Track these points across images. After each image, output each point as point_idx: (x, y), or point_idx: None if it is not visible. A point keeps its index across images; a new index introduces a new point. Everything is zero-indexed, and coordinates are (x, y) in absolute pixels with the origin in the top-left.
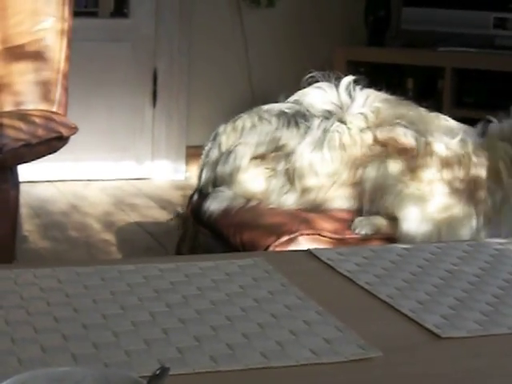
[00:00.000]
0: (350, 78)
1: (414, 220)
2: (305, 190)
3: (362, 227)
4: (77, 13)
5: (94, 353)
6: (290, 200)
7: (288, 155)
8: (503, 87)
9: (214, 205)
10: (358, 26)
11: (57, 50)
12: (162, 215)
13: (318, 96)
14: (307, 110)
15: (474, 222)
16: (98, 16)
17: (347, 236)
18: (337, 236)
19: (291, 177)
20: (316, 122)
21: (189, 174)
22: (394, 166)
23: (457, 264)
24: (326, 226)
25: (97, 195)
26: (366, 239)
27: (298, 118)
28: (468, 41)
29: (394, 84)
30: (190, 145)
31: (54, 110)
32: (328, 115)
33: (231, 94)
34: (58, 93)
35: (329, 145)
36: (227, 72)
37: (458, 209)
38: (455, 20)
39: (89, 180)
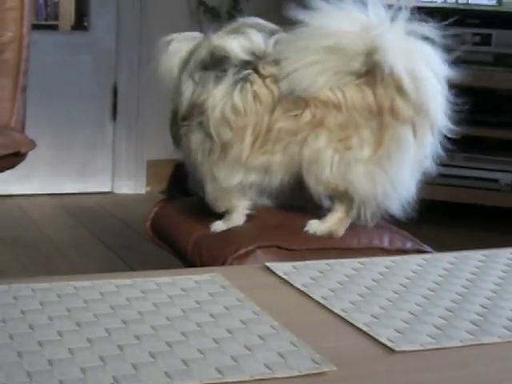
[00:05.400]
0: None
1: (364, 181)
2: (225, 146)
3: (316, 229)
4: (37, 26)
5: (49, 370)
6: (222, 173)
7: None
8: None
9: None
10: None
11: (15, 64)
12: (122, 230)
13: (237, 44)
14: (224, 57)
15: None
16: (59, 29)
17: (305, 248)
18: (294, 248)
19: (207, 130)
20: (230, 71)
21: (149, 189)
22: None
23: (410, 278)
24: (283, 237)
25: (57, 210)
26: (323, 250)
27: (217, 72)
28: None
29: None
30: (151, 159)
31: (12, 125)
32: (246, 66)
33: None
34: (15, 108)
35: (240, 94)
36: None
37: None
38: None
39: (49, 194)
